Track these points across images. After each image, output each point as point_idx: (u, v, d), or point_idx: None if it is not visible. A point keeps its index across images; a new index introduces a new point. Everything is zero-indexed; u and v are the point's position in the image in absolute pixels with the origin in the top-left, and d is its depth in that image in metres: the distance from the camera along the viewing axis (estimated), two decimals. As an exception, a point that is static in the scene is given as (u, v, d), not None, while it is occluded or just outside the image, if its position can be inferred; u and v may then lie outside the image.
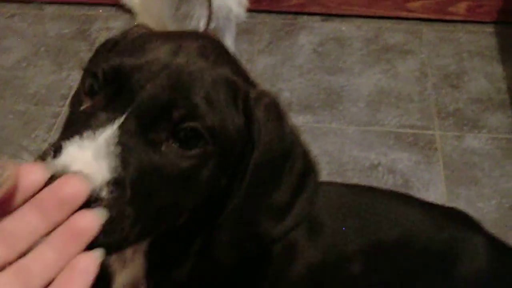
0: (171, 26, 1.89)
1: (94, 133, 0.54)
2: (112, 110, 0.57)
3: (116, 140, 0.54)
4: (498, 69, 2.15)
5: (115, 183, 0.52)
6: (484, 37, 2.29)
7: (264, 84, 2.12)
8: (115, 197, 0.51)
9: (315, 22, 2.40)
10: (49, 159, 0.51)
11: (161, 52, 0.62)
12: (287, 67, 2.21)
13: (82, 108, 0.62)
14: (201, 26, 1.83)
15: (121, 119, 0.56)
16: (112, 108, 0.58)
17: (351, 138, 1.94)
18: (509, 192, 1.76)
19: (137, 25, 0.76)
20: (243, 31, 2.34)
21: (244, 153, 0.65)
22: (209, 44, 0.68)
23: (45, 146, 1.95)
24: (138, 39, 0.68)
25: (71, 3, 2.57)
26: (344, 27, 2.37)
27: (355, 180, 1.80)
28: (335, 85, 2.13)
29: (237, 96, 0.65)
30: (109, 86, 0.60)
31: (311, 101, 2.07)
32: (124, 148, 0.55)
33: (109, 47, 0.70)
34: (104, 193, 0.50)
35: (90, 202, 0.47)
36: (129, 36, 0.72)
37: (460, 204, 1.73)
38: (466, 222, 1.10)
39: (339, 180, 1.81)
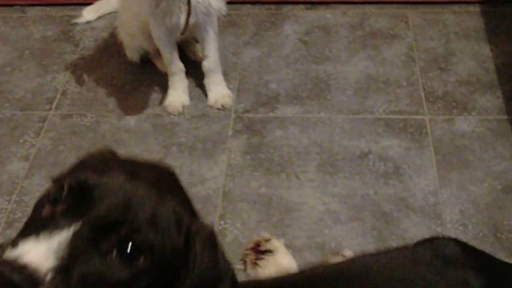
0: (152, 23, 1.87)
1: (50, 234, 0.63)
2: (70, 217, 0.66)
3: (69, 242, 0.63)
4: (485, 50, 2.13)
5: (60, 271, 0.61)
6: (470, 18, 2.26)
7: (251, 76, 2.11)
8: (59, 282, 0.61)
9: (300, 11, 2.37)
10: (7, 250, 0.61)
11: (120, 175, 0.71)
12: (273, 58, 2.19)
13: (43, 213, 0.70)
14: (181, 22, 1.81)
15: (77, 225, 0.65)
16: (71, 215, 0.66)
17: (340, 127, 1.92)
18: (501, 174, 1.74)
19: (103, 148, 0.86)
20: (227, 23, 2.32)
21: (179, 274, 0.74)
22: (164, 176, 0.79)
23: (33, 151, 1.93)
24: (103, 160, 0.78)
25: (53, 4, 2.55)
26: (329, 15, 2.34)
27: (346, 170, 1.79)
28: (322, 74, 2.11)
29: (180, 225, 0.73)
30: (72, 197, 0.69)
31: (299, 91, 2.05)
32: (75, 250, 0.63)
33: (76, 166, 0.78)
34: (48, 278, 0.60)
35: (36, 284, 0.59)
36: (95, 156, 0.81)
37: (452, 189, 1.72)
38: (439, 257, 1.08)
39: (329, 172, 1.79)
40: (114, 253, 0.66)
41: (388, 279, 1.03)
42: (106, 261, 0.66)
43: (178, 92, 2.04)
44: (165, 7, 1.77)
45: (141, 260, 0.67)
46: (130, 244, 0.66)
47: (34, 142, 1.99)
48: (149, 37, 1.98)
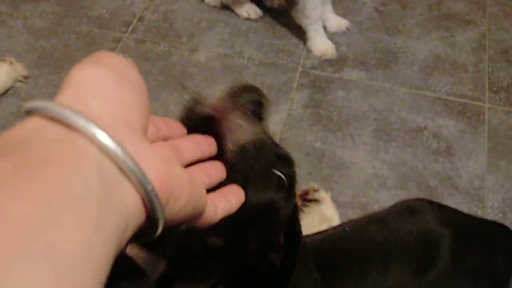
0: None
1: None
2: None
3: None
4: (557, 51, 2.15)
5: None
6: (547, 17, 2.28)
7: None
8: None
9: (380, -19, 2.41)
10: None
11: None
12: (347, 22, 2.24)
13: None
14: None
15: None
16: None
17: (401, 99, 1.98)
18: (550, 172, 1.79)
19: None
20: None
21: None
22: None
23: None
24: None
25: None
26: (408, -11, 2.38)
27: (399, 140, 1.85)
28: (392, 45, 2.16)
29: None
30: None
31: (367, 58, 2.11)
32: None
33: None
34: None
35: None
36: None
37: (499, 177, 1.77)
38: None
39: (383, 139, 1.86)
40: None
41: (359, 243, 1.12)
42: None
43: (324, 38, 2.12)
44: None
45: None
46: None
47: (106, 60, 2.08)
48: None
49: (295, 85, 2.01)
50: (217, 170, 0.56)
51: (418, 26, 2.23)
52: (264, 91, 1.99)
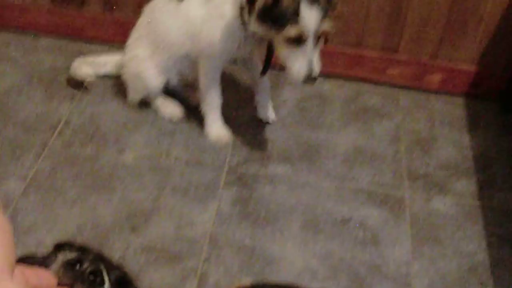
0: (213, 60, 2.08)
1: None
2: None
3: None
4: (465, 139, 2.29)
5: None
6: (455, 108, 2.44)
7: (247, 132, 2.24)
8: None
9: (299, 79, 2.53)
10: None
11: None
12: (270, 119, 2.32)
13: None
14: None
15: None
16: None
17: (326, 191, 2.05)
18: (469, 254, 1.87)
19: None
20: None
21: None
22: None
23: (32, 172, 2.01)
24: None
25: (66, 37, 2.67)
26: (326, 86, 2.50)
27: (327, 232, 1.91)
28: (314, 139, 2.25)
29: None
30: None
31: (291, 153, 2.18)
32: None
33: None
34: None
35: None
36: None
37: (424, 262, 1.84)
38: None
39: (311, 232, 1.91)
40: None
41: None
42: None
43: (220, 124, 2.22)
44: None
45: None
46: None
47: (33, 165, 2.07)
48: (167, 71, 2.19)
49: (222, 182, 2.05)
50: None
51: (337, 120, 2.34)
52: (192, 190, 2.04)
